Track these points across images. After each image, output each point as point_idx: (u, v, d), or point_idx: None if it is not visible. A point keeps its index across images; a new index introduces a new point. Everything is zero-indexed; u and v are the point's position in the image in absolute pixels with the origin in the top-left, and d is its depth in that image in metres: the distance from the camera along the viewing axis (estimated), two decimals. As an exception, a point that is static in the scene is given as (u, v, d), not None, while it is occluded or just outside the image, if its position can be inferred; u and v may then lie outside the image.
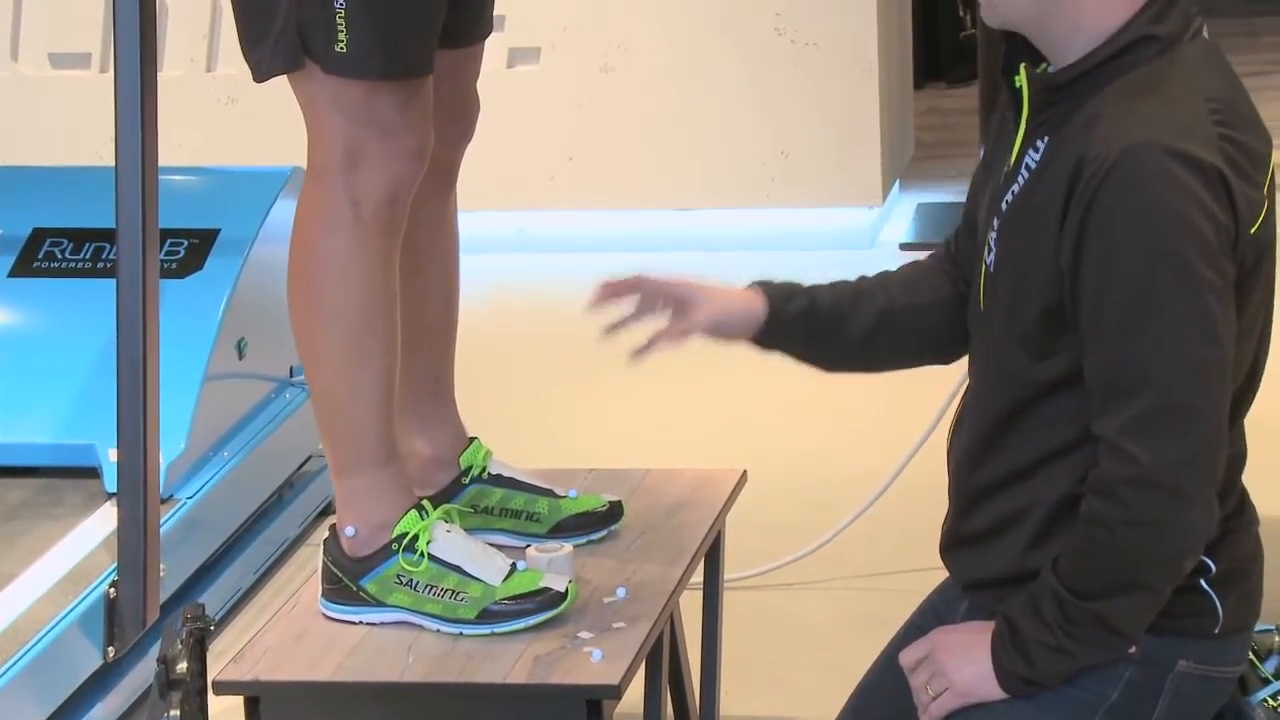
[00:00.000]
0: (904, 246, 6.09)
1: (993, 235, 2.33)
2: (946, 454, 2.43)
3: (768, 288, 2.50)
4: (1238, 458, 2.32)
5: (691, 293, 2.48)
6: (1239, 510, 2.33)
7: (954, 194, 6.50)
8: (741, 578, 3.87)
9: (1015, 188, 2.29)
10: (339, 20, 2.53)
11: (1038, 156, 2.27)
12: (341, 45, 2.54)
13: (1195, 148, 2.17)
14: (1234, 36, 7.48)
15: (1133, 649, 2.27)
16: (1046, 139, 2.27)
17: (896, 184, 6.40)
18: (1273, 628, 2.39)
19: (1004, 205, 2.31)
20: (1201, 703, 2.31)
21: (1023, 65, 2.29)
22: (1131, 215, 2.16)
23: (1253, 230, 2.21)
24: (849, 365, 2.54)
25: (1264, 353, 2.31)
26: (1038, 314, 2.25)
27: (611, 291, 2.48)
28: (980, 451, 2.35)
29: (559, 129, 6.12)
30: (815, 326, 2.48)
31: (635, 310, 2.50)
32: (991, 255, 2.33)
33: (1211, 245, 2.17)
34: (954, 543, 2.41)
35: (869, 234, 6.12)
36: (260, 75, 2.63)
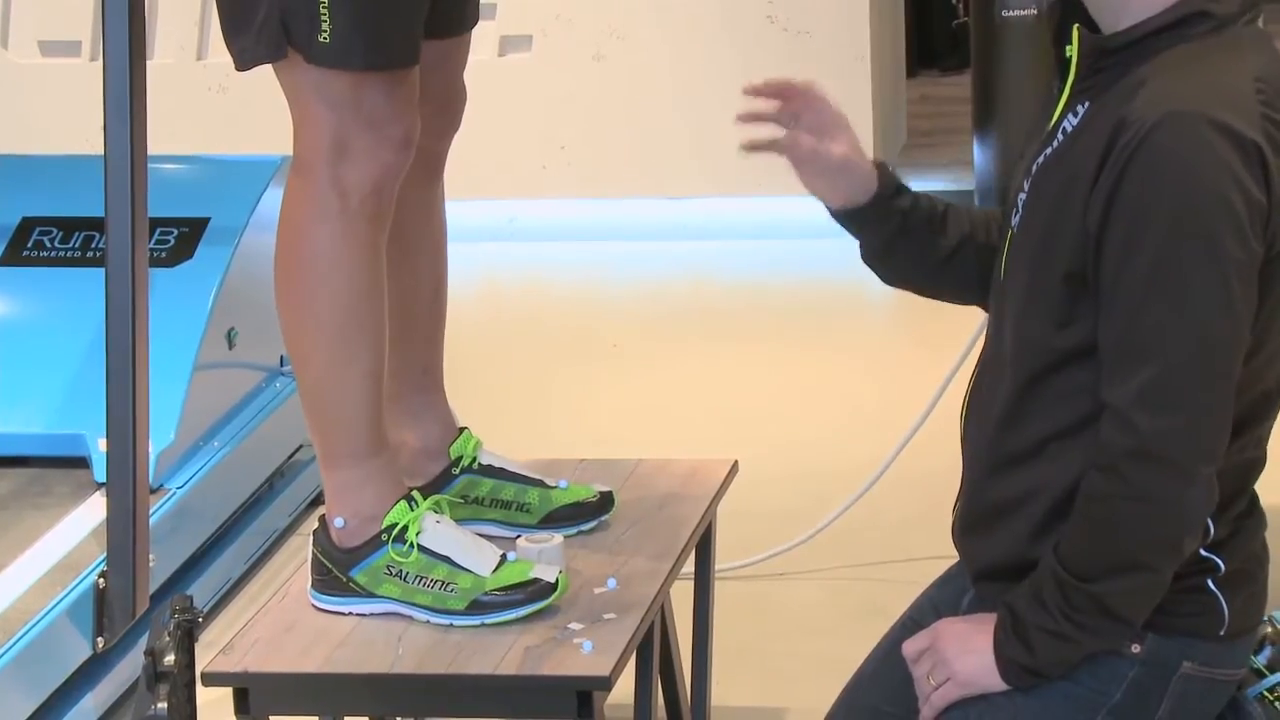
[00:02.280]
0: (896, 235, 6.08)
1: (1021, 197, 2.32)
2: (961, 432, 2.41)
3: (883, 171, 2.45)
4: (1256, 463, 2.31)
5: (840, 124, 2.44)
6: (1249, 511, 2.32)
7: (947, 182, 6.48)
8: (733, 568, 3.87)
9: (1049, 150, 2.29)
10: (322, 10, 2.52)
11: (1076, 121, 2.26)
12: (325, 36, 2.53)
13: (1237, 121, 2.16)
14: None
15: (1136, 648, 2.26)
16: (1087, 104, 2.26)
17: (889, 172, 6.39)
18: (1265, 618, 2.38)
19: (1034, 167, 2.30)
20: (1204, 705, 2.30)
21: (1076, 26, 2.28)
22: (1165, 182, 2.15)
23: None
24: (913, 280, 2.50)
25: None
26: (1061, 276, 2.24)
27: (770, 90, 2.42)
28: (994, 427, 2.33)
29: (551, 117, 6.11)
30: (908, 228, 2.44)
31: (778, 111, 2.44)
32: (1018, 217, 2.32)
33: (1242, 221, 2.16)
34: (964, 526, 2.39)
35: (861, 223, 6.10)
36: (243, 64, 2.62)
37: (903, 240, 2.46)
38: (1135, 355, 2.18)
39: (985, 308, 2.45)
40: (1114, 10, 2.26)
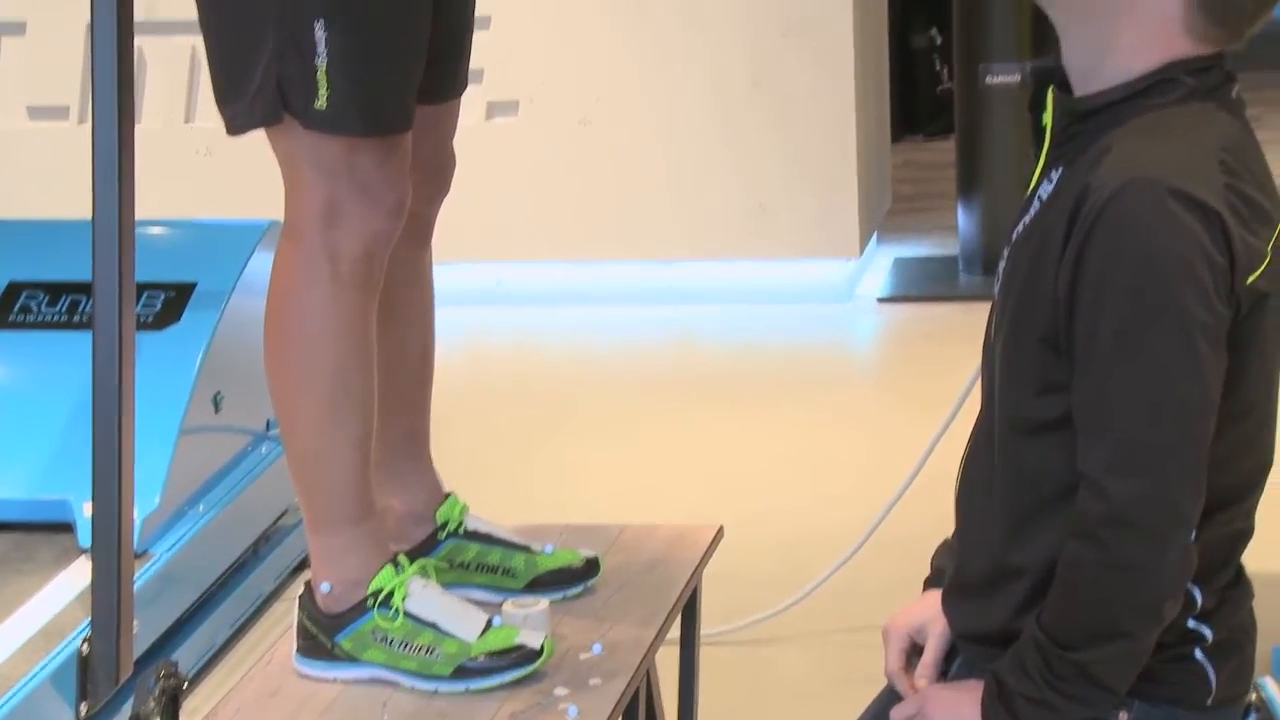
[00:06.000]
0: (882, 300, 6.10)
1: (1002, 264, 2.33)
2: (956, 496, 2.42)
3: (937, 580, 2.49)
4: (1244, 534, 2.31)
5: (924, 633, 2.45)
6: (1236, 581, 2.33)
7: (931, 247, 6.51)
8: (718, 633, 3.86)
9: (1027, 217, 2.30)
10: (319, 77, 2.53)
11: (1050, 187, 2.28)
12: (321, 102, 2.53)
13: (1197, 189, 2.17)
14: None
15: (1124, 716, 2.26)
16: (1061, 169, 2.27)
17: (874, 237, 6.41)
18: (1251, 685, 2.38)
19: (1014, 234, 2.32)
20: (1189, 775, 2.30)
21: (1051, 88, 2.29)
22: (1127, 248, 2.17)
23: (1250, 280, 2.21)
24: None
25: (1271, 444, 2.31)
26: (1036, 343, 2.25)
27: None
28: (980, 496, 2.34)
29: (538, 181, 6.13)
30: None
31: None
32: (998, 285, 2.33)
33: (1205, 284, 2.16)
34: (953, 591, 2.40)
35: (846, 286, 6.13)
36: (236, 129, 2.62)
37: None
38: (1105, 422, 2.19)
39: None
40: (1088, 75, 2.28)
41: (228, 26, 2.59)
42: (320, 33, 2.51)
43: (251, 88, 2.56)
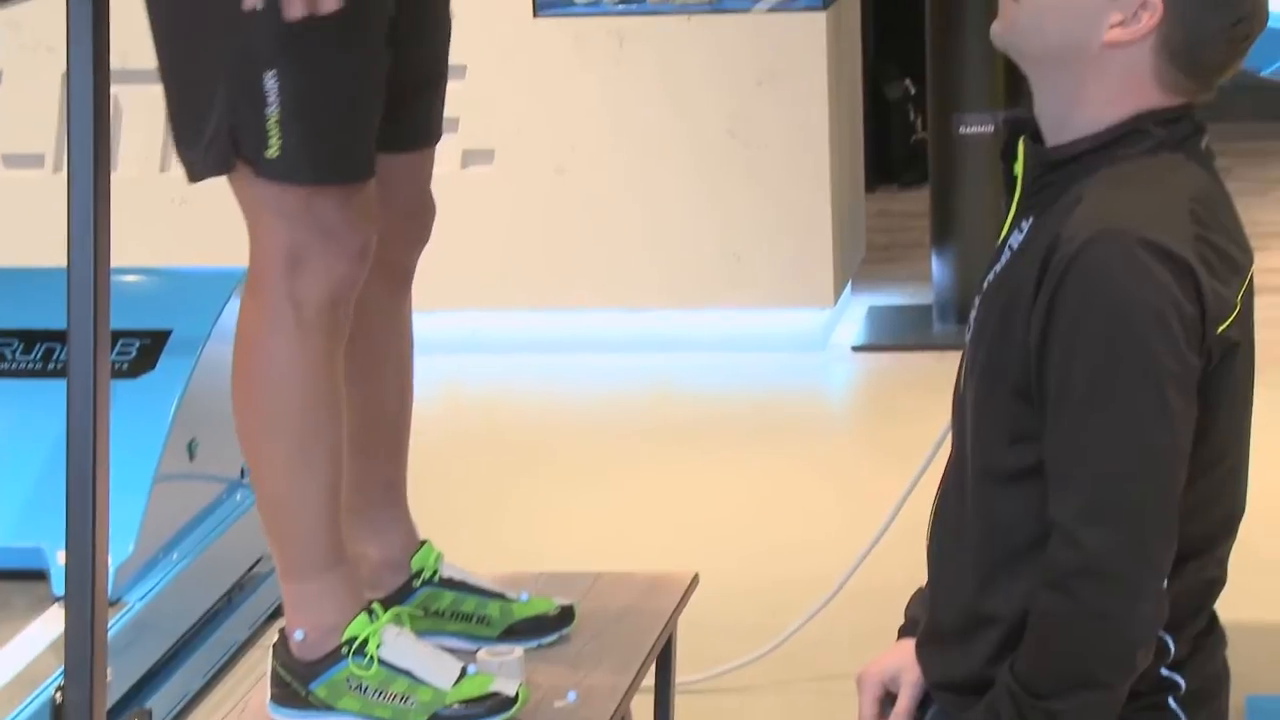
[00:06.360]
0: (856, 349, 6.11)
1: (973, 314, 2.34)
2: (927, 544, 2.43)
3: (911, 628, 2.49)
4: (1217, 582, 2.32)
5: (898, 681, 2.45)
6: (1210, 629, 2.33)
7: (906, 296, 6.53)
8: (694, 681, 3.86)
9: (998, 267, 2.31)
10: (271, 125, 2.53)
11: (1021, 237, 2.29)
12: (274, 151, 2.54)
13: (1168, 240, 2.18)
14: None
15: None
16: (1032, 219, 2.28)
17: (848, 286, 6.43)
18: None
19: (985, 283, 2.33)
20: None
21: (1023, 138, 2.31)
22: (1097, 298, 2.17)
23: (1221, 330, 2.22)
24: None
25: (1242, 492, 2.32)
26: (1008, 392, 2.26)
27: None
28: (952, 544, 2.34)
29: (513, 229, 6.14)
30: None
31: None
32: (970, 333, 2.34)
33: (1175, 334, 2.17)
34: (927, 639, 2.40)
35: (821, 336, 6.14)
36: (194, 176, 2.63)
37: None
38: (1076, 471, 2.20)
39: None
40: (1059, 125, 2.29)
41: (183, 75, 2.60)
42: (271, 83, 2.51)
43: (206, 136, 2.56)
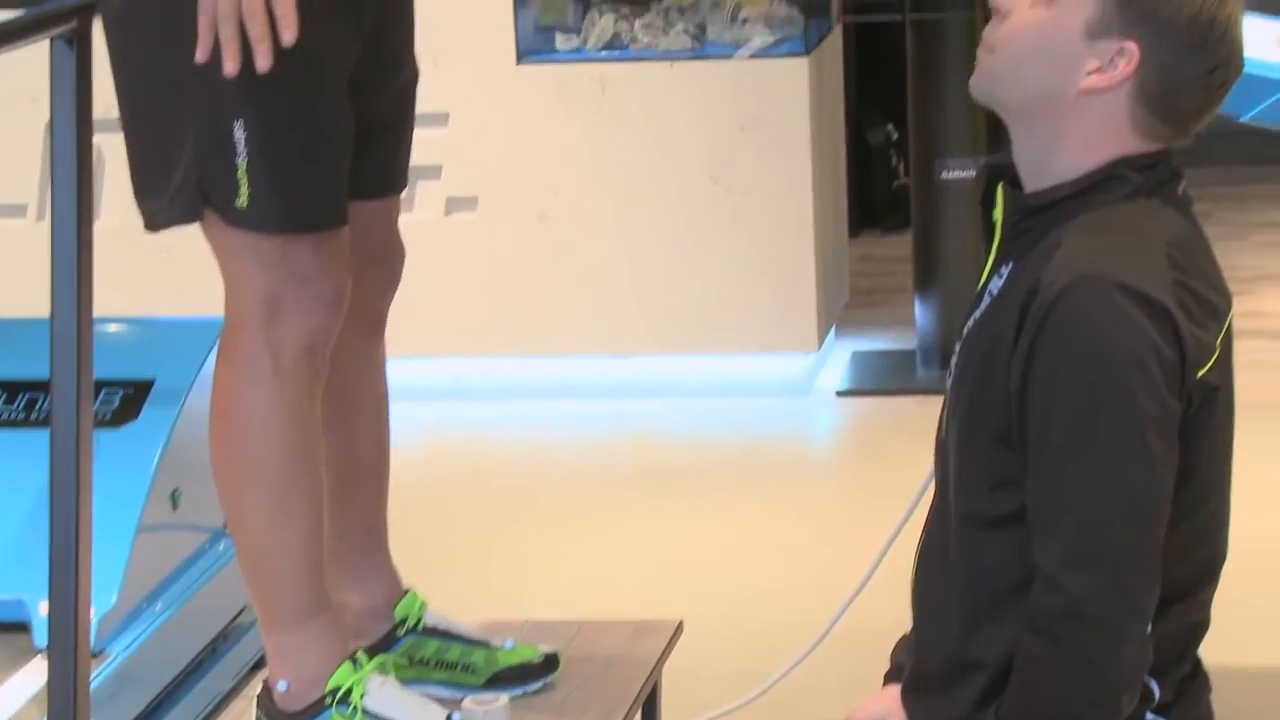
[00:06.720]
0: (840, 393, 6.12)
1: (954, 360, 2.34)
2: (911, 590, 2.43)
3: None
4: (1200, 626, 2.32)
5: None
6: (1194, 673, 2.33)
7: (889, 341, 6.54)
8: (679, 728, 3.85)
9: (978, 312, 2.32)
10: (240, 175, 2.53)
11: (1001, 282, 2.29)
12: (243, 200, 2.54)
13: (1145, 285, 2.19)
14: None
15: None
16: (1011, 264, 2.29)
17: (832, 331, 6.44)
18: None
19: (965, 329, 2.33)
20: None
21: (1001, 184, 2.31)
22: (1077, 344, 2.18)
23: (1200, 374, 2.22)
24: None
25: (1224, 536, 2.32)
26: (989, 438, 2.26)
27: None
28: (936, 590, 2.34)
29: (496, 276, 6.14)
30: None
31: None
32: (950, 379, 2.34)
33: (1155, 378, 2.18)
34: (912, 685, 2.40)
35: (805, 381, 6.14)
36: (155, 225, 2.63)
37: None
38: (1058, 516, 2.20)
39: None
40: (1037, 171, 2.30)
41: (149, 126, 2.61)
42: (240, 133, 2.51)
43: (172, 185, 2.57)
